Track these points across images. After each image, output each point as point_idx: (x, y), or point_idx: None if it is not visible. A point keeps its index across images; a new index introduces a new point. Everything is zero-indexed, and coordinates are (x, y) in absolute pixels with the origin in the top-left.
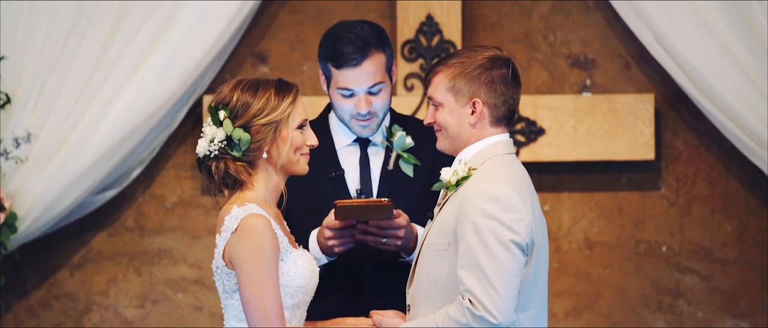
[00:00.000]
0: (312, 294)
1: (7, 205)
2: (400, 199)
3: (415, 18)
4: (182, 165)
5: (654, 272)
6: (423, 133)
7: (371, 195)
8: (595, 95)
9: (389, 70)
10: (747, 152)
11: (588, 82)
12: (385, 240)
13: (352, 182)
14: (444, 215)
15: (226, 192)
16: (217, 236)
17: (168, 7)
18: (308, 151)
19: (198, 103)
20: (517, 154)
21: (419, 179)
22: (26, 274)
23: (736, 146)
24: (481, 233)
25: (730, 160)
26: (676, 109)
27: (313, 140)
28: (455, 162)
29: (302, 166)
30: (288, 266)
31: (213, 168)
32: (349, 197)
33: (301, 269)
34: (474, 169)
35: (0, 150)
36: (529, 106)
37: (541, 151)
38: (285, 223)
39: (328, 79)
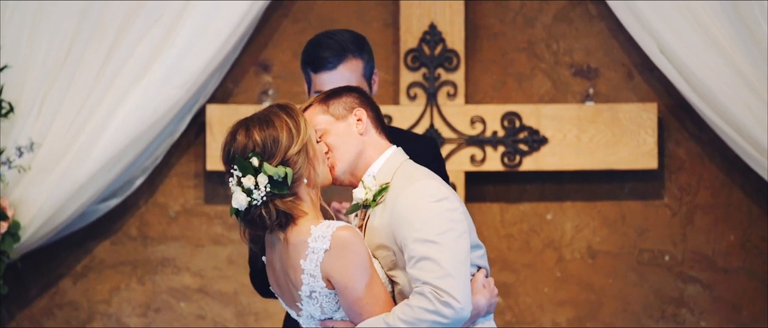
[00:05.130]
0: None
1: (10, 214)
2: None
3: (418, 27)
4: (185, 174)
5: (657, 281)
6: (415, 146)
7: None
8: (598, 104)
9: (367, 77)
10: (750, 161)
11: (591, 91)
12: None
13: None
14: (377, 232)
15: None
16: (301, 261)
17: (171, 16)
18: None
19: (201, 111)
20: (520, 162)
21: None
22: (29, 283)
23: (738, 155)
24: (421, 231)
25: (732, 170)
26: (679, 119)
27: (325, 146)
28: (365, 178)
29: (328, 175)
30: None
31: (263, 214)
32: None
33: (382, 275)
34: (387, 183)
35: (3, 159)
36: (532, 115)
37: (544, 160)
38: None
39: (309, 85)
